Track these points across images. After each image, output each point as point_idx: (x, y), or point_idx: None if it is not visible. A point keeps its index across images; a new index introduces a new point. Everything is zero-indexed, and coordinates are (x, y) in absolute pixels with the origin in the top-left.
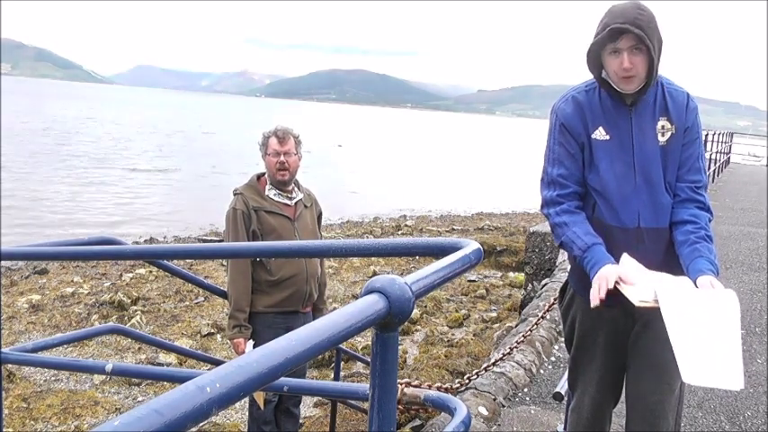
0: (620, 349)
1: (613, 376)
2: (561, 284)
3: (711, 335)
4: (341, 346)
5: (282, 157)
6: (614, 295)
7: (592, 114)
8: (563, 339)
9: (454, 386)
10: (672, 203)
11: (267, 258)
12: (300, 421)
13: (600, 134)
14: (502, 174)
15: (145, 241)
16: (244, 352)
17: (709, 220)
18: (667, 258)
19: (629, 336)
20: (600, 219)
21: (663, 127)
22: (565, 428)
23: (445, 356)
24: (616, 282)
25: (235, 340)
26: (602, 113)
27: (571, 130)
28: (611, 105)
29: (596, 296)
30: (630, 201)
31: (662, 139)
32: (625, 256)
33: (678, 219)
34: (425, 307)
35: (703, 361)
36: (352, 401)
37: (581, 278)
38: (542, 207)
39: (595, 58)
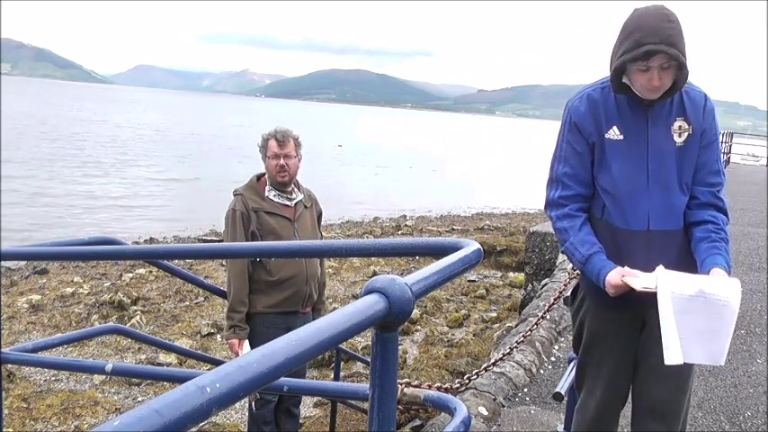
0: (629, 352)
1: (621, 378)
2: (572, 286)
3: (704, 318)
4: (341, 346)
5: (282, 160)
6: (626, 296)
7: (606, 113)
8: (563, 339)
9: (454, 386)
10: (688, 205)
11: (267, 259)
12: (300, 421)
13: (613, 134)
14: (502, 174)
15: (145, 241)
16: (238, 353)
17: (726, 223)
18: (679, 261)
19: (638, 338)
20: (608, 221)
21: (680, 127)
22: (565, 428)
23: (445, 356)
24: (622, 277)
25: (230, 340)
26: (617, 113)
27: (582, 130)
28: (626, 105)
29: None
30: (640, 202)
31: (678, 140)
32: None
33: (698, 219)
34: (425, 307)
35: (688, 342)
36: (352, 401)
37: (591, 280)
38: (545, 208)
39: (618, 66)
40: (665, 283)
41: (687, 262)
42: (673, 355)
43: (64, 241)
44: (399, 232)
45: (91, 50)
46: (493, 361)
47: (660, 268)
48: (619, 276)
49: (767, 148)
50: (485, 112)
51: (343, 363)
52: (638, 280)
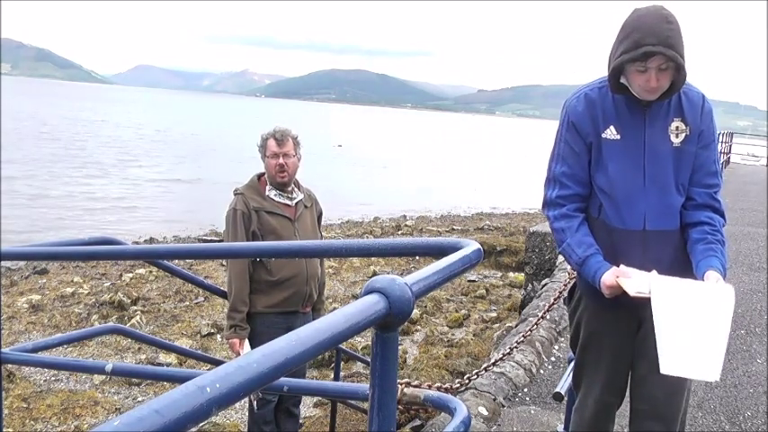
0: (625, 351)
1: (619, 377)
2: (570, 286)
3: (698, 326)
4: (341, 346)
5: (281, 159)
6: (623, 296)
7: (603, 113)
8: (563, 339)
9: (454, 386)
10: (684, 206)
11: (267, 258)
12: (300, 421)
13: (610, 133)
14: (502, 174)
15: (145, 241)
16: (239, 353)
17: (723, 225)
18: (674, 262)
19: (635, 338)
20: (605, 221)
21: (677, 128)
22: (565, 428)
23: (445, 356)
24: (616, 277)
25: (230, 340)
26: (615, 112)
27: (579, 129)
28: (624, 104)
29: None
30: (637, 202)
31: (676, 141)
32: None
33: (694, 220)
34: (425, 307)
35: (684, 352)
36: (352, 401)
37: (588, 280)
38: (543, 207)
39: (616, 66)
40: (658, 289)
41: (683, 262)
42: (668, 364)
43: (64, 241)
44: (399, 232)
45: (91, 50)
46: (493, 361)
47: (654, 273)
48: (613, 277)
49: (767, 148)
50: (485, 112)
51: (343, 363)
52: (632, 282)
